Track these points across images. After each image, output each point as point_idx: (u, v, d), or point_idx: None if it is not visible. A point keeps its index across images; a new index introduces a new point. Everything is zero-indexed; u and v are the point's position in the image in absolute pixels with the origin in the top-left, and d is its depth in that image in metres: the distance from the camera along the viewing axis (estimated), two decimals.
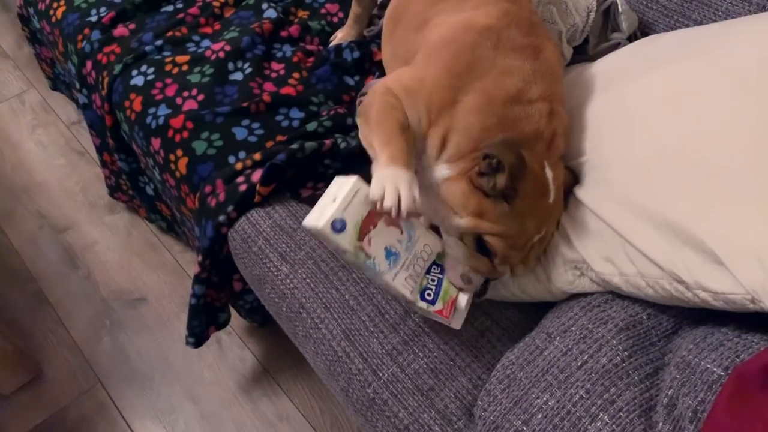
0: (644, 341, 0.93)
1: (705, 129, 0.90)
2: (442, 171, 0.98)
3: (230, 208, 1.29)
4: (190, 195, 1.39)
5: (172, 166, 1.40)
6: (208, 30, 1.62)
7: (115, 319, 1.75)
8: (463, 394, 1.04)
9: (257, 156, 1.33)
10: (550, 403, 0.90)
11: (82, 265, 1.87)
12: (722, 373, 0.81)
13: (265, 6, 1.63)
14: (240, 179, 1.32)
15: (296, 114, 1.42)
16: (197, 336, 1.48)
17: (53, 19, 1.72)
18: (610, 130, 1.01)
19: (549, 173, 0.94)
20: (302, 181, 1.34)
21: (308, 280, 1.20)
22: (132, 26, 1.62)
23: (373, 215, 0.92)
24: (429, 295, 0.99)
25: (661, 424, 0.83)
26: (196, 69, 1.50)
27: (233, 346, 1.68)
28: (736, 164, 0.84)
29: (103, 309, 1.77)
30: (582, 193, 0.98)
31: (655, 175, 0.90)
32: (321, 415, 1.56)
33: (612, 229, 0.93)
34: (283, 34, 1.60)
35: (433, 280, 1.00)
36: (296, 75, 1.51)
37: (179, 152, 1.39)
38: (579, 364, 0.92)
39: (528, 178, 0.90)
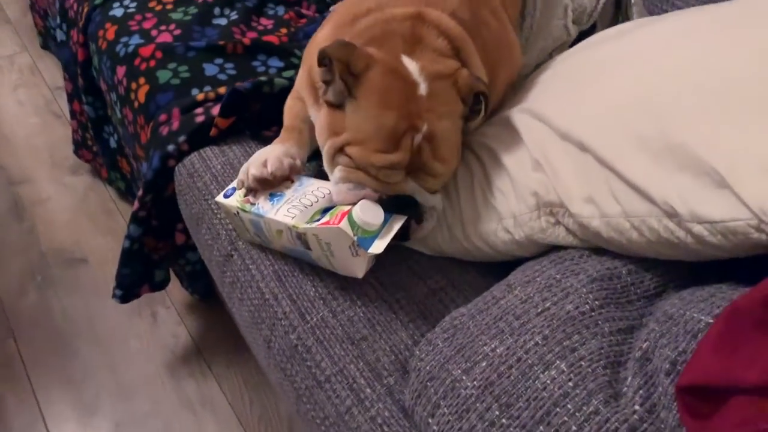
0: (620, 297, 0.77)
1: (704, 54, 0.79)
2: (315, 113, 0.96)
3: (182, 139, 1.16)
4: (145, 128, 1.27)
5: (132, 95, 1.29)
6: None
7: (48, 276, 1.59)
8: (401, 349, 0.87)
9: (222, 90, 1.22)
10: (498, 351, 0.74)
11: (28, 218, 1.73)
12: (710, 321, 0.65)
13: None
14: (198, 110, 1.20)
15: (275, 63, 1.32)
16: (126, 289, 1.32)
17: None
18: (603, 69, 0.91)
19: (410, 64, 0.86)
20: (266, 123, 1.21)
21: None
22: None
23: None
24: (317, 219, 0.86)
25: (630, 378, 0.67)
26: (180, 8, 1.41)
27: (169, 321, 1.51)
28: (744, 79, 0.71)
29: (39, 264, 1.62)
30: (569, 125, 0.85)
31: (653, 103, 0.78)
32: (249, 407, 1.37)
33: (600, 160, 0.79)
34: None
35: (326, 211, 0.87)
36: (284, 30, 1.41)
37: (141, 80, 1.28)
38: (539, 311, 0.76)
39: (366, 69, 0.84)
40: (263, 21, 1.44)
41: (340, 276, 0.94)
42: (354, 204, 0.84)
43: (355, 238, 0.81)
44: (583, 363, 0.68)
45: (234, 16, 1.41)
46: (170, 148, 1.16)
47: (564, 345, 0.71)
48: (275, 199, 0.92)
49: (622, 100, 0.82)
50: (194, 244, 1.27)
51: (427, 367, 0.78)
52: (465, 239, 0.94)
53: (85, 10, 1.46)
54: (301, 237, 0.87)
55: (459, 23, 0.95)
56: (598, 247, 0.84)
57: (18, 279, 1.58)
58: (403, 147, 0.82)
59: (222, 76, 1.27)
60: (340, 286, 0.94)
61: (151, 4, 1.42)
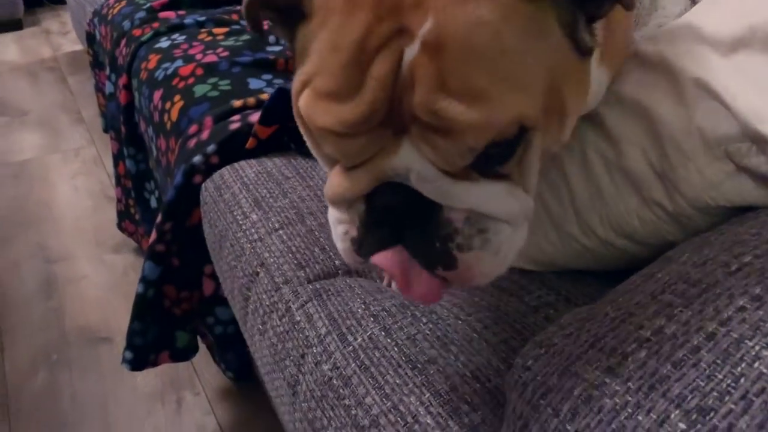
0: None
1: None
2: None
3: (211, 149, 0.94)
4: (175, 149, 1.06)
5: (165, 117, 1.09)
6: None
7: (65, 356, 1.34)
8: (488, 374, 0.55)
9: (265, 97, 1.00)
10: (668, 331, 0.41)
11: (57, 296, 1.51)
12: None
13: None
14: (234, 117, 0.98)
15: None
16: (138, 352, 1.04)
17: (109, 17, 1.58)
18: None
19: None
20: None
21: (281, 231, 0.79)
22: (181, 13, 1.43)
23: None
24: None
25: None
26: (232, 38, 1.25)
27: (196, 410, 1.21)
28: None
29: (57, 343, 1.37)
30: (741, 22, 0.55)
31: None
32: None
33: None
34: None
35: None
36: None
37: (176, 98, 1.09)
38: (733, 269, 0.43)
39: None
40: None
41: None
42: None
43: None
44: None
45: None
46: (196, 160, 0.93)
47: None
48: None
49: None
50: (225, 297, 1.00)
51: (539, 377, 0.45)
52: (584, 235, 0.63)
53: (132, 48, 1.32)
54: None
55: None
56: None
57: (30, 358, 1.33)
58: (369, 84, 0.39)
59: (269, 89, 1.06)
60: (400, 303, 0.64)
61: (201, 36, 1.27)
